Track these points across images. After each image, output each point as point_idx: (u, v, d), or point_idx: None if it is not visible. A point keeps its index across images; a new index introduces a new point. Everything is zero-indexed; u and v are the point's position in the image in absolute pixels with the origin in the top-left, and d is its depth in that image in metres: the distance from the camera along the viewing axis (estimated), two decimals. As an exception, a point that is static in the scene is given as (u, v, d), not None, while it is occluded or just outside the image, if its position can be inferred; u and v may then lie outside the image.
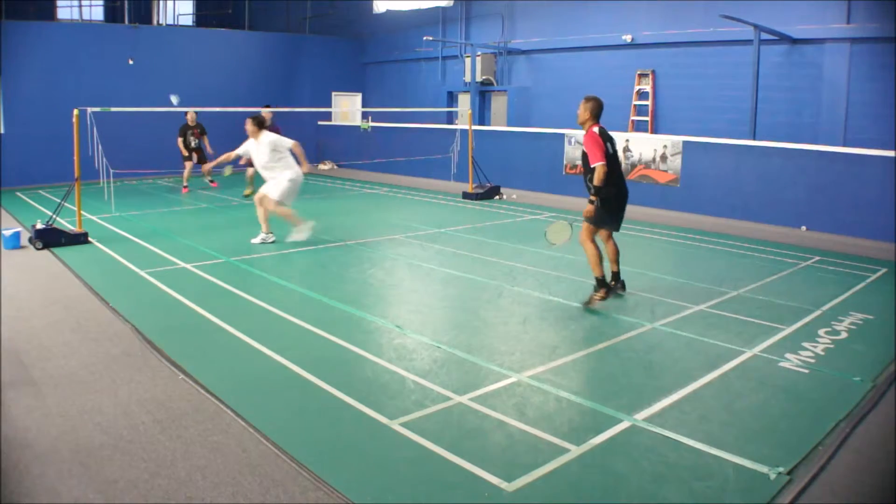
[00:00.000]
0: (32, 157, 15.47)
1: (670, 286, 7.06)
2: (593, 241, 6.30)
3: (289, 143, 8.96)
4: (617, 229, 6.53)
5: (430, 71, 19.58)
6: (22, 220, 10.59)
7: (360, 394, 4.29)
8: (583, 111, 6.40)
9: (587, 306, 6.23)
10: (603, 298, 6.28)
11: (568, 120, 15.42)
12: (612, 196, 6.28)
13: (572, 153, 13.79)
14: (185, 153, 14.37)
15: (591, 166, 6.14)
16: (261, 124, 8.97)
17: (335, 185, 16.11)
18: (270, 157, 8.83)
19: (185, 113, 14.45)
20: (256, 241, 9.05)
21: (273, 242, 9.03)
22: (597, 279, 6.30)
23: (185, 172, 14.44)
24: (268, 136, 8.88)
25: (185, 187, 14.56)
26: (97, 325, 5.65)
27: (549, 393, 4.36)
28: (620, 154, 10.72)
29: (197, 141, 14.41)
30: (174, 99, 15.32)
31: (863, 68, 11.49)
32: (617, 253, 6.60)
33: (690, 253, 8.93)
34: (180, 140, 14.37)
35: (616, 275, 6.60)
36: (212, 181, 15.03)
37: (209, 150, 14.45)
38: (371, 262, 8.01)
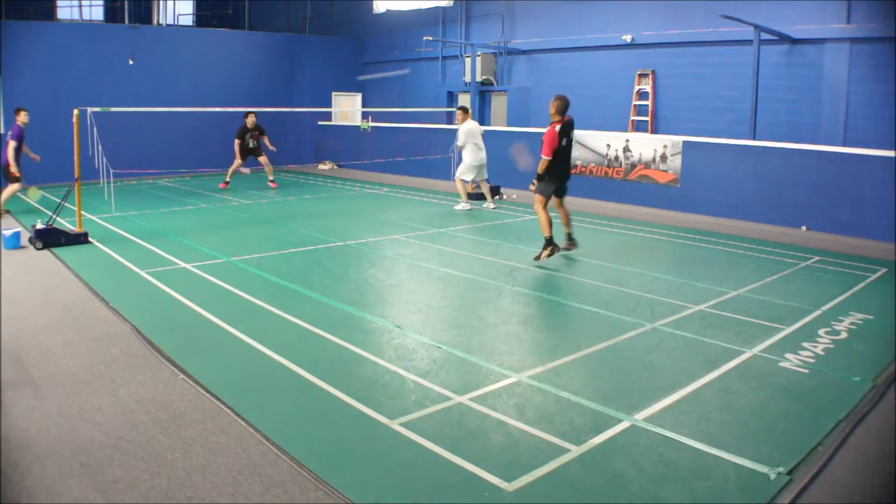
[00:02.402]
0: (32, 156, 15.44)
1: (670, 286, 7.06)
2: (545, 209, 7.85)
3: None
4: (560, 196, 8.14)
5: (430, 71, 19.57)
6: (22, 220, 10.59)
7: (360, 394, 4.29)
8: (551, 107, 7.83)
9: (537, 261, 7.84)
10: (550, 255, 7.83)
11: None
12: (553, 174, 7.85)
13: (572, 153, 13.77)
14: (240, 157, 14.43)
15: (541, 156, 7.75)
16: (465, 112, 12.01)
17: (335, 185, 16.12)
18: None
19: (246, 115, 14.43)
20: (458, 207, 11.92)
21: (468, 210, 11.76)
22: (546, 239, 7.81)
23: (232, 167, 14.54)
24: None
25: (226, 182, 14.63)
26: (97, 325, 5.65)
27: (549, 393, 4.36)
28: (620, 153, 11.71)
29: (256, 142, 14.51)
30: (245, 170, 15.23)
31: (863, 68, 11.48)
32: (568, 217, 8.27)
33: (690, 253, 8.93)
34: (238, 142, 14.39)
35: (569, 235, 8.22)
36: (272, 181, 14.98)
37: (270, 147, 14.59)
38: (371, 262, 8.01)
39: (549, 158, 7.67)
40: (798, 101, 12.29)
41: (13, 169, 10.97)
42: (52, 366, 4.75)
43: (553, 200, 8.05)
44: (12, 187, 11.14)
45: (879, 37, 11.12)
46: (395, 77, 20.50)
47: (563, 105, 7.80)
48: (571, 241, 8.21)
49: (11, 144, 10.94)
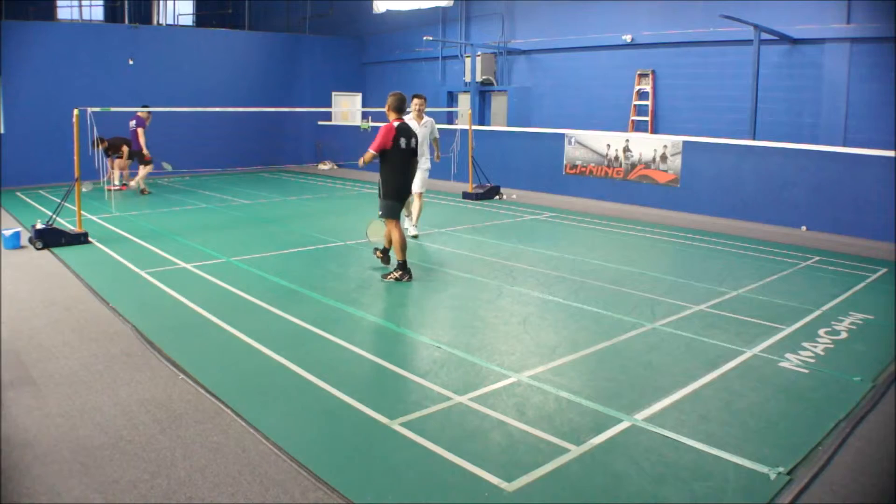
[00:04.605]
0: (32, 157, 15.47)
1: (670, 286, 7.06)
2: (398, 229, 7.11)
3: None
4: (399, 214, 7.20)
5: (430, 71, 19.58)
6: (22, 220, 10.59)
7: (360, 394, 4.29)
8: (386, 104, 7.08)
9: (385, 279, 7.14)
10: (398, 279, 7.06)
11: (568, 120, 15.49)
12: (394, 188, 6.99)
13: (572, 153, 13.80)
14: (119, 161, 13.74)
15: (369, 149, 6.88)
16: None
17: (335, 185, 16.12)
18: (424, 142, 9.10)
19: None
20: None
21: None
22: (399, 262, 7.11)
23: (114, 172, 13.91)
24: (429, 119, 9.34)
25: (123, 185, 14.00)
26: (97, 325, 5.65)
27: (549, 393, 4.36)
28: (620, 153, 11.33)
29: (114, 154, 13.71)
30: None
31: (863, 68, 11.49)
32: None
33: (690, 253, 8.93)
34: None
35: (386, 251, 7.59)
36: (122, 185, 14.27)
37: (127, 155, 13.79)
38: (371, 262, 8.00)
39: (375, 153, 6.81)
40: (798, 101, 12.30)
41: (146, 153, 13.48)
42: (52, 366, 4.75)
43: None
44: (146, 168, 13.74)
45: (879, 37, 11.13)
46: (395, 77, 20.51)
47: (398, 101, 6.97)
48: (385, 255, 7.59)
49: (141, 132, 13.30)
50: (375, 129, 19.33)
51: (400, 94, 7.04)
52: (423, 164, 9.16)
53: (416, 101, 9.01)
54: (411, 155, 7.08)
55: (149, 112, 13.44)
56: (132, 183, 13.95)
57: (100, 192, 12.76)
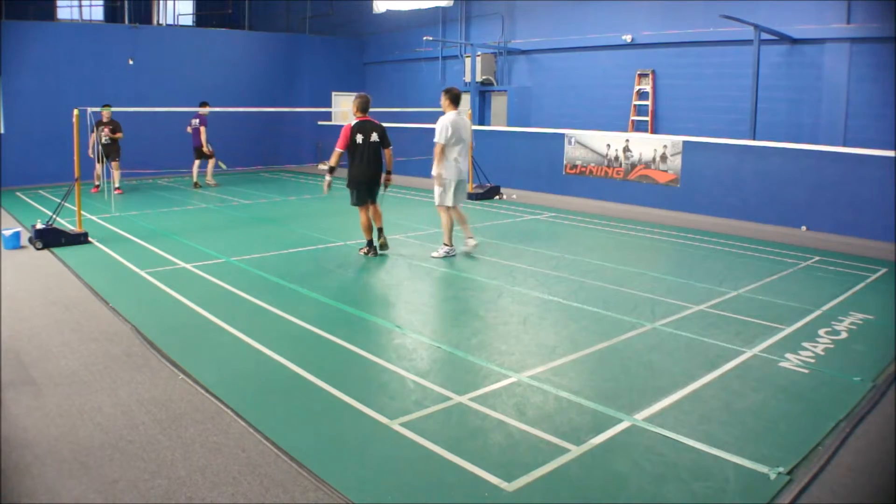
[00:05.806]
0: (32, 157, 15.47)
1: (670, 286, 7.06)
2: (364, 213, 8.16)
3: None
4: (372, 202, 8.18)
5: (430, 71, 19.58)
6: (22, 220, 10.59)
7: (360, 394, 4.29)
8: (352, 106, 8.06)
9: (360, 252, 8.33)
10: (366, 254, 8.22)
11: (568, 120, 15.49)
12: (351, 178, 8.05)
13: (572, 153, 13.80)
14: (91, 153, 12.81)
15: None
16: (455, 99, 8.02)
17: (335, 185, 16.07)
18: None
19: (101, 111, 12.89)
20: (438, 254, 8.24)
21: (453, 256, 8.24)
22: (367, 241, 8.26)
23: (96, 171, 13.62)
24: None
25: (95, 186, 13.60)
26: (97, 325, 5.65)
27: (549, 393, 4.36)
28: (620, 153, 11.43)
29: (107, 139, 13.32)
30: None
31: (863, 68, 11.48)
32: (378, 215, 8.25)
33: (690, 253, 8.93)
34: (93, 136, 12.72)
35: (379, 230, 8.25)
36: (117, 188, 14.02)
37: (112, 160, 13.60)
38: (371, 262, 8.01)
39: (340, 150, 7.86)
40: (798, 101, 12.29)
41: (206, 149, 14.39)
42: (52, 366, 4.75)
43: (369, 205, 8.16)
44: (212, 162, 14.79)
45: (879, 37, 11.12)
46: (395, 77, 20.53)
47: (361, 103, 7.97)
48: (381, 238, 8.26)
49: (203, 130, 14.18)
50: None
51: (363, 96, 8.05)
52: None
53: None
54: (369, 149, 7.91)
55: (208, 109, 14.19)
56: (209, 180, 14.95)
57: (99, 192, 12.78)
